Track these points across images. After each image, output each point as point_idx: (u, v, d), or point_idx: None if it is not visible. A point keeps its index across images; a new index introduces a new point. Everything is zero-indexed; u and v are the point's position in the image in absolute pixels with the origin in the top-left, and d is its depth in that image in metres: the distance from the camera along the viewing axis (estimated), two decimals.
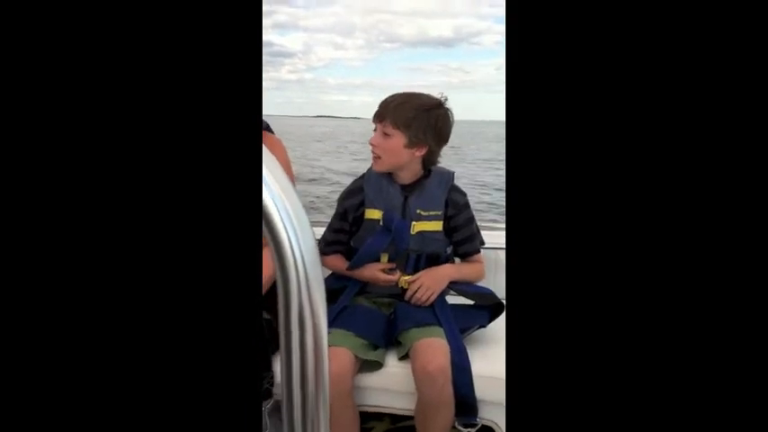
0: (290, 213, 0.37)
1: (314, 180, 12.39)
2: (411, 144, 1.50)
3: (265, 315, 1.44)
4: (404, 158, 1.53)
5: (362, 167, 1.67)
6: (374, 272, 1.55)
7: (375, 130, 1.54)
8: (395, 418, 1.56)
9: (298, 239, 0.37)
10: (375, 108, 1.56)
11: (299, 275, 0.37)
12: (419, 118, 1.49)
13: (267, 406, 1.37)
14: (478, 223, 1.66)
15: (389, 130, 1.49)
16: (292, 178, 1.61)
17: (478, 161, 18.82)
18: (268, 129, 1.58)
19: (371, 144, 1.54)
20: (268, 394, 1.39)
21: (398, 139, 1.49)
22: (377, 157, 1.54)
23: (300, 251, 0.37)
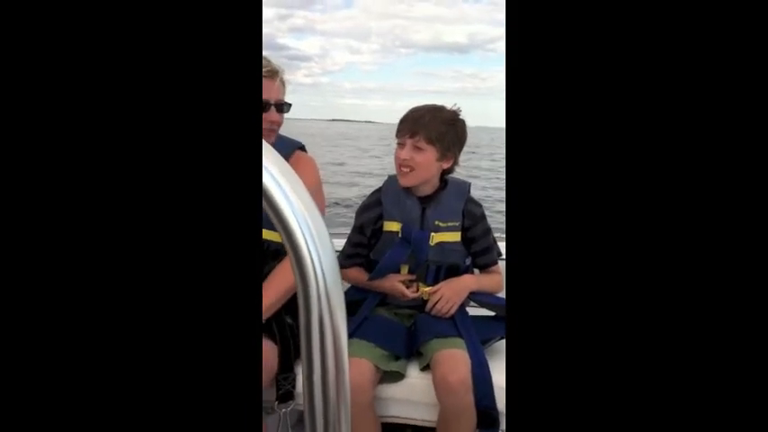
0: (311, 228, 0.38)
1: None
2: (442, 157, 1.53)
3: (288, 320, 1.46)
4: (433, 172, 1.56)
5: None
6: (394, 283, 1.56)
7: (401, 144, 1.55)
8: (417, 430, 1.55)
9: (318, 253, 0.38)
10: (388, 112, 1.56)
11: (318, 287, 0.39)
12: (449, 132, 1.52)
13: (288, 409, 1.38)
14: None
15: (422, 144, 1.51)
16: (322, 199, 1.59)
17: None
18: (302, 149, 1.60)
19: (402, 159, 1.53)
20: (289, 396, 1.40)
21: (431, 153, 1.52)
22: (409, 171, 1.53)
23: (320, 262, 0.39)
